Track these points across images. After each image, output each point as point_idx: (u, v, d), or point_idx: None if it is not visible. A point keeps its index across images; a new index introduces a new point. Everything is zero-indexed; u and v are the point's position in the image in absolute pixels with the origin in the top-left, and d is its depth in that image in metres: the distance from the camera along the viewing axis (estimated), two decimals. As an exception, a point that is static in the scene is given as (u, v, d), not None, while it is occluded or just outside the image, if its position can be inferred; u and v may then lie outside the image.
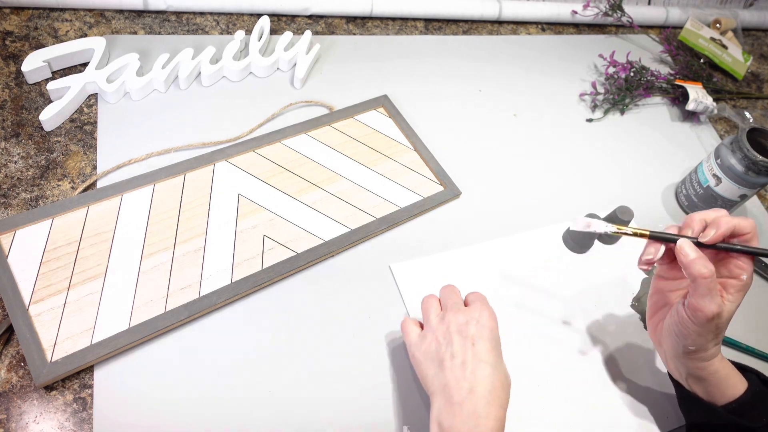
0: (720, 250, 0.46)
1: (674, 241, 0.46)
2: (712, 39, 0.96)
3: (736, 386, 0.48)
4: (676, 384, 0.52)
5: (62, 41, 0.68)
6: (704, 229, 0.46)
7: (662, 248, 0.47)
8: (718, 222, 0.46)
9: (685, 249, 0.45)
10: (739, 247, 0.46)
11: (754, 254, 0.46)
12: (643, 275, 0.66)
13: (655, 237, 0.47)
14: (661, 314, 0.51)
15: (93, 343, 0.48)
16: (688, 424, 0.52)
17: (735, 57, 0.96)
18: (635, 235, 0.47)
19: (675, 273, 0.49)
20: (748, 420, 0.47)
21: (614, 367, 0.58)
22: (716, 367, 0.48)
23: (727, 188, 0.68)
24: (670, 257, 0.49)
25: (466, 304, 0.50)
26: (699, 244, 0.46)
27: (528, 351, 0.57)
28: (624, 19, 0.94)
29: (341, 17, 0.83)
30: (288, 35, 0.74)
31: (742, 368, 0.51)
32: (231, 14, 0.78)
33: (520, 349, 0.57)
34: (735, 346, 0.63)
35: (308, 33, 0.75)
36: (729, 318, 0.45)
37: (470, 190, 0.68)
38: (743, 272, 0.46)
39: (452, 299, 0.50)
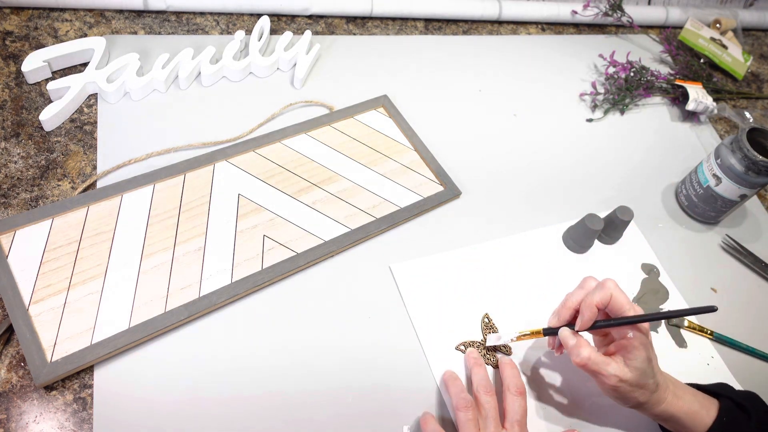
0: (597, 328, 0.50)
1: (554, 333, 0.52)
2: (712, 39, 0.96)
3: (703, 419, 0.50)
4: (661, 427, 0.54)
5: (62, 41, 0.68)
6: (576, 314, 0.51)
7: (556, 342, 0.53)
8: (582, 311, 0.50)
9: (565, 339, 0.50)
10: (602, 323, 0.49)
11: (620, 324, 0.49)
12: (643, 275, 0.66)
13: (547, 333, 0.52)
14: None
15: (93, 343, 0.48)
16: None
17: (735, 57, 0.96)
18: (532, 334, 0.53)
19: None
20: None
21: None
22: (671, 412, 0.50)
23: (727, 188, 0.68)
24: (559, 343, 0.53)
25: (503, 412, 0.50)
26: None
27: (527, 351, 0.57)
28: (624, 19, 0.94)
29: (341, 17, 0.83)
30: (288, 35, 0.74)
31: (716, 394, 0.52)
32: (231, 14, 0.78)
33: (520, 349, 0.57)
34: (735, 346, 0.63)
35: (308, 33, 0.75)
36: (645, 367, 0.47)
37: (470, 190, 0.68)
38: (627, 331, 0.48)
39: (491, 415, 0.49)
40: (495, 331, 0.57)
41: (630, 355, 0.48)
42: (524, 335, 0.53)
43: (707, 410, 0.50)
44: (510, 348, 0.57)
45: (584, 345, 0.48)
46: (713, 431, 0.49)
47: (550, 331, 0.52)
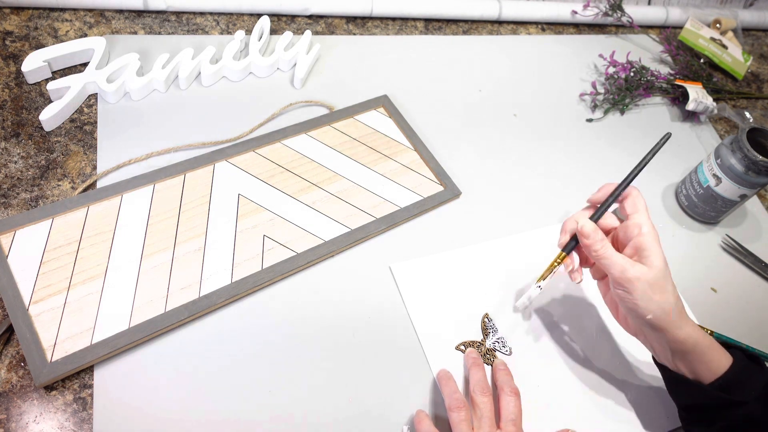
0: (613, 201, 0.52)
1: (577, 243, 0.52)
2: (712, 39, 0.96)
3: (720, 361, 0.48)
4: (662, 368, 0.52)
5: (62, 41, 0.68)
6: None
7: (576, 257, 0.53)
8: (601, 190, 0.53)
9: (584, 231, 0.50)
10: (613, 194, 0.51)
11: (616, 197, 0.51)
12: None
13: (567, 251, 0.53)
14: (620, 312, 0.53)
15: (93, 343, 0.48)
16: (679, 406, 0.52)
17: (735, 57, 0.96)
18: (558, 264, 0.53)
19: (602, 271, 0.53)
20: (736, 395, 0.47)
21: (614, 368, 0.58)
22: (695, 339, 0.48)
23: (727, 188, 0.68)
24: (586, 259, 0.54)
25: (498, 412, 0.50)
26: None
27: (527, 352, 0.57)
28: (624, 19, 0.94)
29: (341, 17, 0.83)
30: (288, 35, 0.74)
31: (727, 345, 0.51)
32: (231, 14, 0.78)
33: (520, 349, 0.57)
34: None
35: (308, 33, 0.75)
36: (658, 276, 0.47)
37: (470, 190, 0.68)
38: (639, 225, 0.49)
39: (486, 415, 0.49)
40: (495, 332, 0.57)
41: (646, 252, 0.48)
42: (545, 275, 0.53)
43: (724, 354, 0.49)
44: (510, 349, 0.57)
45: (604, 237, 0.49)
46: (730, 373, 0.48)
47: (572, 247, 0.52)
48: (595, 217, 0.52)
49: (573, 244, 0.52)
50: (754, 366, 0.49)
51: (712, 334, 0.63)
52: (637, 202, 0.51)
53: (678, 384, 0.51)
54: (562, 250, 0.53)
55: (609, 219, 0.53)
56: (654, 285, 0.47)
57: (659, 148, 0.53)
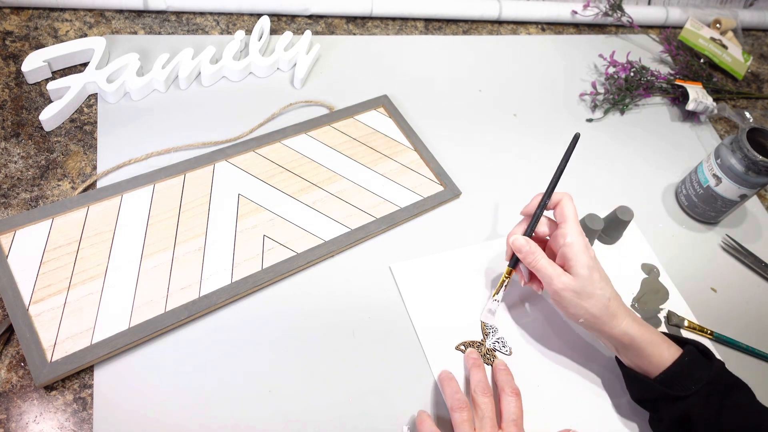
0: (538, 216, 0.54)
1: (516, 260, 0.54)
2: (712, 39, 0.96)
3: (662, 356, 0.50)
4: (618, 362, 0.54)
5: (62, 41, 0.68)
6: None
7: (524, 270, 0.55)
8: (525, 211, 0.55)
9: (517, 246, 0.52)
10: (540, 205, 0.53)
11: (544, 202, 0.53)
12: (643, 275, 0.66)
13: (512, 263, 0.55)
14: None
15: (93, 343, 0.48)
16: (634, 399, 0.54)
17: (735, 57, 0.96)
18: (508, 277, 0.55)
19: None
20: (678, 389, 0.48)
21: (614, 368, 0.58)
22: (632, 335, 0.50)
23: (727, 188, 0.68)
24: (532, 275, 0.55)
25: (499, 412, 0.50)
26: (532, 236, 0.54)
27: (527, 351, 0.57)
28: (624, 19, 0.94)
29: (341, 17, 0.83)
30: (288, 35, 0.74)
31: (682, 341, 0.52)
32: (231, 14, 0.78)
33: (520, 349, 0.57)
34: (735, 346, 0.63)
35: (308, 33, 0.75)
36: (584, 284, 0.49)
37: (470, 190, 0.68)
38: (564, 235, 0.51)
39: (488, 416, 0.49)
40: (495, 332, 0.57)
41: (571, 262, 0.50)
42: (499, 289, 0.56)
43: (669, 347, 0.50)
44: (510, 349, 0.57)
45: (536, 249, 0.51)
46: (674, 367, 0.49)
47: (514, 262, 0.54)
48: (528, 231, 0.54)
49: (515, 258, 0.54)
50: (702, 360, 0.50)
51: (712, 334, 0.63)
52: (564, 210, 0.52)
53: (628, 377, 0.53)
54: (509, 265, 0.55)
55: (543, 227, 0.55)
56: (580, 293, 0.49)
57: (572, 151, 0.55)
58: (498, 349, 0.56)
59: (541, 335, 0.59)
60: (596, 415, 0.55)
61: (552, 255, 0.54)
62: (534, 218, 0.54)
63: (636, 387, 0.53)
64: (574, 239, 0.50)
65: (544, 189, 0.73)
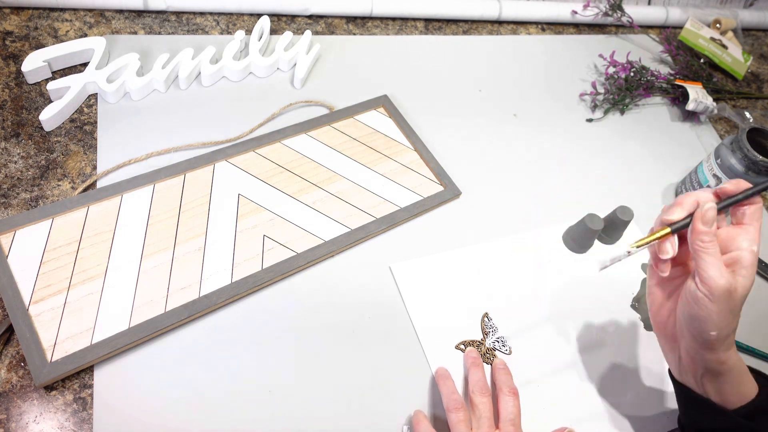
0: (737, 203, 0.44)
1: (687, 225, 0.44)
2: (712, 39, 0.96)
3: (748, 386, 0.45)
4: (681, 386, 0.48)
5: (62, 41, 0.68)
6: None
7: (676, 241, 0.44)
8: (733, 182, 0.44)
9: (710, 214, 0.42)
10: (748, 192, 0.43)
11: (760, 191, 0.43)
12: (643, 275, 0.66)
13: (676, 230, 0.44)
14: (667, 307, 0.47)
15: (93, 343, 0.48)
16: (692, 428, 0.49)
17: (735, 57, 0.96)
18: (661, 239, 0.44)
19: (675, 259, 0.46)
20: (762, 425, 0.44)
21: (613, 368, 0.58)
22: (734, 360, 0.44)
23: (727, 188, 0.68)
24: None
25: (497, 412, 0.50)
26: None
27: (527, 351, 0.57)
28: (624, 19, 0.94)
29: (341, 17, 0.83)
30: (288, 35, 0.74)
31: (751, 370, 0.47)
32: (231, 14, 0.78)
33: (519, 349, 0.57)
34: (735, 346, 0.63)
35: (308, 33, 0.75)
36: (743, 297, 0.42)
37: (470, 190, 0.68)
38: (750, 240, 0.43)
39: (485, 416, 0.49)
40: (495, 331, 0.57)
41: (744, 271, 0.42)
42: (641, 244, 0.45)
43: (751, 380, 0.45)
44: (510, 348, 0.57)
45: (713, 231, 0.42)
46: (759, 401, 0.44)
47: (679, 227, 0.44)
48: (721, 206, 0.43)
49: (684, 223, 0.44)
50: None
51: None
52: (757, 213, 0.44)
53: (697, 406, 0.47)
54: (670, 227, 0.44)
55: (681, 213, 0.45)
56: (736, 304, 0.42)
57: None
58: (498, 348, 0.56)
59: (542, 335, 0.59)
60: (595, 414, 0.55)
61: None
62: (733, 198, 0.44)
63: (705, 415, 0.46)
64: (757, 249, 0.43)
65: (545, 188, 0.73)
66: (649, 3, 1.02)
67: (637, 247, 0.45)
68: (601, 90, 0.85)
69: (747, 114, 0.88)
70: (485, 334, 0.57)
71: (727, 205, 0.44)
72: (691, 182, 0.72)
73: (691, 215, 0.44)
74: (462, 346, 0.56)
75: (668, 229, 0.44)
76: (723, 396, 0.45)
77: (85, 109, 0.64)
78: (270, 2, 0.78)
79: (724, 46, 0.96)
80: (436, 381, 0.52)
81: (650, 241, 0.45)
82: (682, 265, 0.47)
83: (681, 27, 1.00)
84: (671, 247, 0.44)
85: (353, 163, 0.66)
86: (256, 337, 0.52)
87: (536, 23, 0.94)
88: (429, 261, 0.61)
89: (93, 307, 0.50)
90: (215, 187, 0.60)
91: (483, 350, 0.56)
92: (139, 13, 0.74)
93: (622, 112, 0.84)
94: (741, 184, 0.44)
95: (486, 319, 0.58)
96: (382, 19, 0.85)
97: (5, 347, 0.48)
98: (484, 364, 0.55)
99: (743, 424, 0.44)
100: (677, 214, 0.44)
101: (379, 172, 0.66)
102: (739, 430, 0.44)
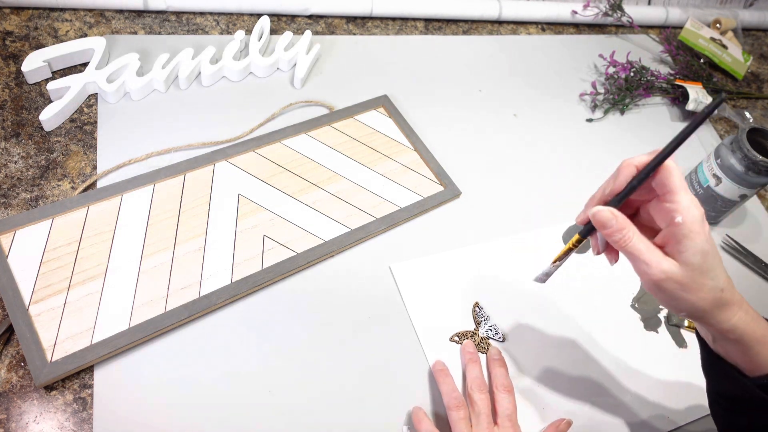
0: (634, 190, 0.41)
1: (592, 228, 0.43)
2: (712, 39, 0.96)
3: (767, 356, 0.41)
4: (708, 350, 0.45)
5: (62, 41, 0.68)
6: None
7: (600, 239, 0.43)
8: (618, 171, 0.41)
9: (601, 220, 0.40)
10: (644, 171, 0.40)
11: (648, 173, 0.40)
12: (643, 275, 0.66)
13: (584, 234, 0.44)
14: None
15: (93, 343, 0.48)
16: (712, 391, 0.46)
17: (735, 57, 0.96)
18: (574, 247, 0.45)
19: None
20: None
21: (614, 368, 0.58)
22: (742, 331, 0.41)
23: (727, 188, 0.68)
24: (606, 244, 0.44)
25: (494, 408, 0.50)
26: (616, 206, 0.41)
27: (527, 351, 0.57)
28: (624, 19, 0.94)
29: (341, 17, 0.83)
30: (288, 35, 0.74)
31: None
32: (231, 14, 0.78)
33: (520, 349, 0.57)
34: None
35: (308, 33, 0.75)
36: (698, 272, 0.39)
37: (470, 190, 0.68)
38: (676, 214, 0.39)
39: (484, 412, 0.49)
40: (487, 320, 0.57)
41: (680, 246, 0.38)
42: (562, 256, 0.46)
43: None
44: (504, 335, 0.57)
45: (626, 225, 0.40)
46: None
47: (587, 231, 0.43)
48: (616, 200, 0.42)
49: (589, 227, 0.44)
50: None
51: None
52: (672, 179, 0.40)
53: (715, 366, 0.44)
54: (579, 233, 0.44)
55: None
56: (686, 285, 0.39)
57: (711, 112, 0.40)
58: (491, 336, 0.57)
59: (535, 320, 0.59)
60: (595, 414, 0.55)
61: (646, 232, 0.41)
62: (629, 187, 0.41)
63: (723, 379, 0.44)
64: (689, 217, 0.38)
65: (545, 188, 0.73)
66: (649, 3, 1.02)
67: (559, 260, 0.46)
68: (601, 90, 0.85)
69: (747, 114, 0.88)
70: (477, 323, 0.57)
71: (623, 195, 0.41)
72: (691, 182, 0.72)
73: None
74: (456, 338, 0.56)
75: (577, 237, 0.44)
76: (738, 362, 0.43)
77: (85, 109, 0.64)
78: (270, 2, 0.78)
79: (724, 46, 0.96)
80: (435, 376, 0.53)
81: (564, 253, 0.46)
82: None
83: (681, 27, 1.00)
84: (594, 245, 0.44)
85: (353, 163, 0.66)
86: (255, 337, 0.52)
87: (536, 23, 0.94)
88: (429, 261, 0.61)
89: (93, 307, 0.50)
90: (215, 187, 0.60)
91: (477, 340, 0.56)
92: (139, 13, 0.74)
93: (622, 112, 0.84)
94: (621, 171, 0.41)
95: (477, 308, 0.58)
96: (382, 19, 0.85)
97: (5, 347, 0.48)
98: (479, 353, 0.55)
99: (757, 396, 0.41)
100: (581, 218, 0.44)
101: (379, 172, 0.66)
102: (754, 401, 0.42)
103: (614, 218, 0.40)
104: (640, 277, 0.41)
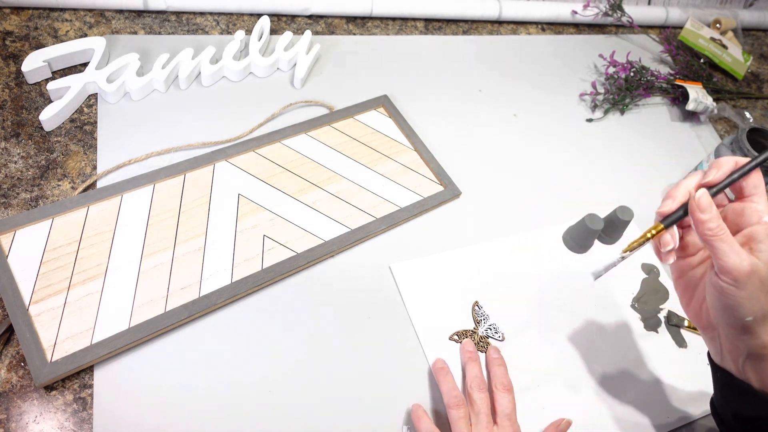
0: (732, 184, 0.41)
1: (684, 216, 0.42)
2: (712, 39, 0.96)
3: None
4: (721, 371, 0.45)
5: (62, 41, 0.68)
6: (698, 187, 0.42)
7: (677, 234, 0.43)
8: (717, 164, 0.42)
9: (703, 202, 0.40)
10: (749, 166, 0.40)
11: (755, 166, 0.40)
12: (643, 275, 0.66)
13: (669, 224, 0.42)
14: (697, 297, 0.45)
15: (93, 343, 0.48)
16: (732, 414, 0.45)
17: (735, 57, 0.96)
18: (652, 237, 0.43)
19: (689, 249, 0.45)
20: None
21: (614, 368, 0.58)
22: None
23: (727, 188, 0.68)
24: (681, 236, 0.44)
25: (493, 407, 0.50)
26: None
27: (527, 351, 0.57)
28: (624, 19, 0.94)
29: (341, 17, 0.83)
30: (288, 35, 0.74)
31: None
32: (231, 14, 0.78)
33: (519, 349, 0.57)
34: None
35: (308, 33, 0.75)
36: None
37: (470, 190, 0.68)
38: (760, 212, 0.40)
39: (483, 411, 0.49)
40: (486, 319, 0.57)
41: (762, 245, 0.39)
42: (635, 246, 0.44)
43: None
44: (503, 334, 0.57)
45: (719, 214, 0.40)
46: None
47: (671, 220, 0.42)
48: (716, 190, 0.41)
49: (678, 215, 0.42)
50: None
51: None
52: (759, 183, 0.41)
53: (736, 391, 0.44)
54: (662, 222, 0.43)
55: (718, 196, 0.43)
56: (765, 281, 0.39)
57: None
58: (491, 335, 0.57)
59: (534, 319, 0.59)
60: (595, 414, 0.55)
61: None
62: (729, 179, 0.41)
63: (745, 402, 0.44)
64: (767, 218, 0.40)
65: (545, 188, 0.73)
66: (649, 3, 1.02)
67: (630, 250, 0.44)
68: (601, 90, 0.85)
69: (747, 114, 0.88)
70: (477, 322, 0.57)
71: (721, 189, 0.42)
72: (691, 182, 0.72)
73: (684, 206, 0.42)
74: (456, 337, 0.56)
75: (661, 226, 0.43)
76: (765, 382, 0.42)
77: (85, 109, 0.64)
78: (270, 2, 0.78)
79: (724, 46, 0.96)
80: (435, 375, 0.53)
81: (641, 242, 0.43)
82: (695, 254, 0.45)
83: (681, 27, 1.00)
84: (671, 238, 0.43)
85: (353, 163, 0.66)
86: (256, 337, 0.52)
87: (536, 23, 0.94)
88: (429, 261, 0.61)
89: (93, 307, 0.50)
90: (215, 187, 0.60)
91: (476, 339, 0.56)
92: (139, 13, 0.74)
93: (622, 112, 0.84)
94: (722, 164, 0.42)
95: (476, 307, 0.58)
96: (382, 19, 0.85)
97: (5, 347, 0.48)
98: (479, 352, 0.55)
99: None
100: (668, 206, 0.43)
101: (379, 172, 0.66)
102: None
103: (713, 205, 0.40)
104: (722, 271, 0.39)
